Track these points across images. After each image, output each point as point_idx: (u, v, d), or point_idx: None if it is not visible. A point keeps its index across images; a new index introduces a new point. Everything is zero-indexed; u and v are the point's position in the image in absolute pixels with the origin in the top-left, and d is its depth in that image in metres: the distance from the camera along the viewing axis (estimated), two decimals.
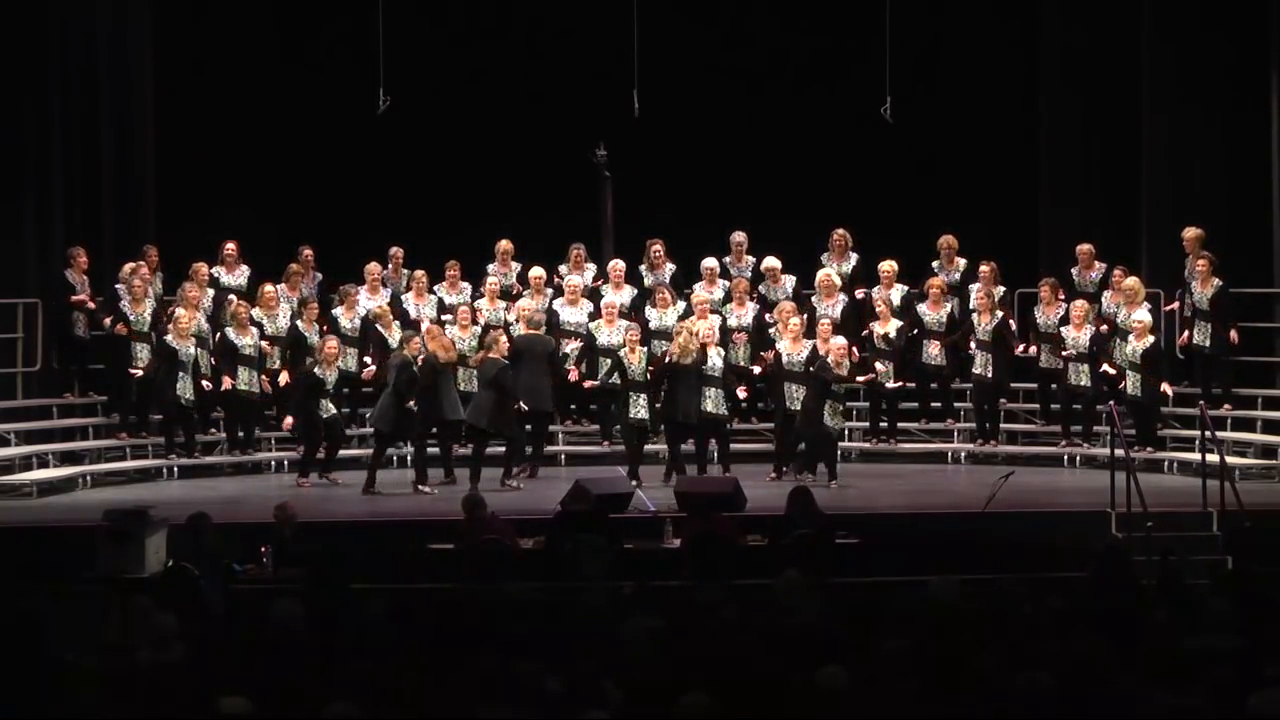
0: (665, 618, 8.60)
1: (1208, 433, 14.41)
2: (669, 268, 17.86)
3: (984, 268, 17.43)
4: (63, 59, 18.10)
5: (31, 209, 17.90)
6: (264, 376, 17.14)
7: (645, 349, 16.43)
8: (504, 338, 16.19)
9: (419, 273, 17.65)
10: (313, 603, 9.38)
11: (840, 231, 17.87)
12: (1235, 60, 17.81)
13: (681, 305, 17.30)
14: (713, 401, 16.22)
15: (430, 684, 7.60)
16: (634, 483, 15.62)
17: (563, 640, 8.46)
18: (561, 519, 13.15)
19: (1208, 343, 16.86)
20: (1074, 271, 17.55)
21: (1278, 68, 17.42)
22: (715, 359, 16.23)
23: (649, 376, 16.25)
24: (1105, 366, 16.57)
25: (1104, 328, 16.85)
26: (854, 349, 16.57)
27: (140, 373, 16.98)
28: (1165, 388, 16.61)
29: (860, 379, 16.47)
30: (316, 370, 16.43)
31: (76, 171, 18.22)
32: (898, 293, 17.58)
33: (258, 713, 7.27)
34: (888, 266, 17.62)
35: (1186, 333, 17.00)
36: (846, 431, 17.92)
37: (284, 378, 17.04)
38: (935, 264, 17.83)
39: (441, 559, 12.81)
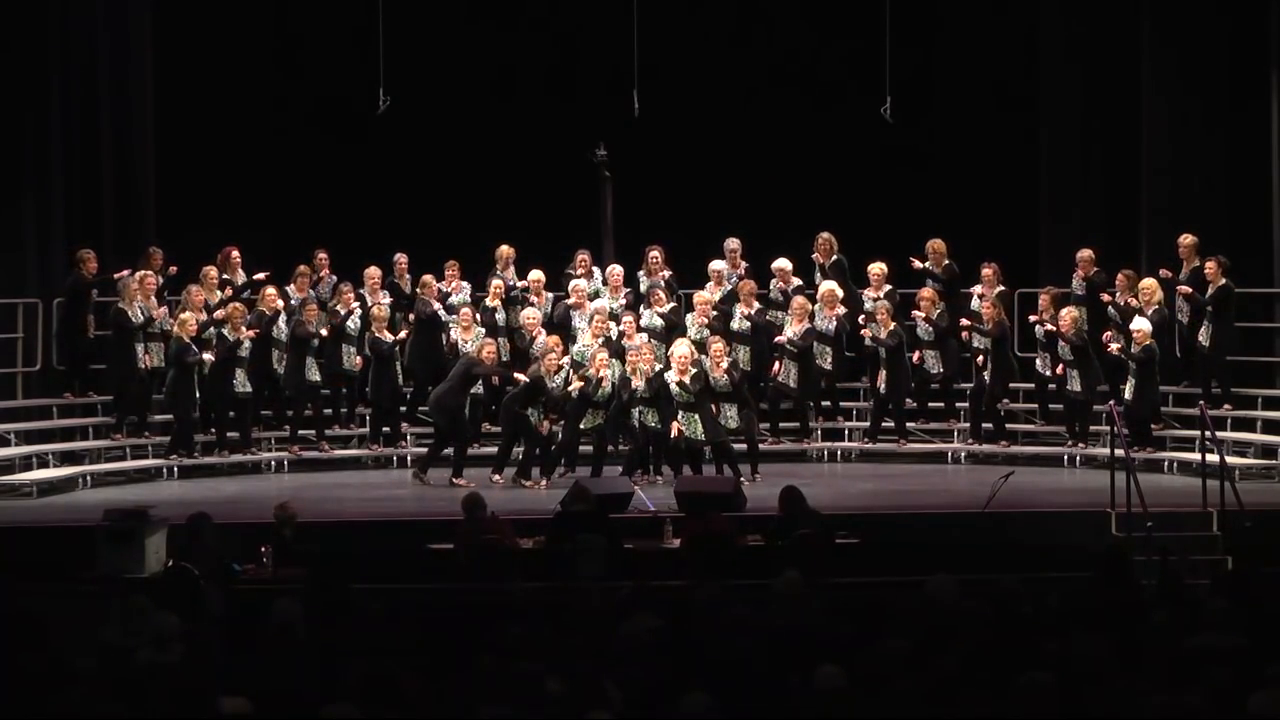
0: (665, 618, 8.60)
1: (1208, 433, 14.41)
2: (665, 274, 17.86)
3: (986, 269, 17.43)
4: (63, 59, 18.11)
5: (31, 210, 17.91)
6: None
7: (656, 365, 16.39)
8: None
9: (427, 277, 17.63)
10: (313, 603, 9.38)
11: (825, 235, 17.84)
12: (1235, 60, 17.80)
13: (673, 304, 17.36)
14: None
15: (430, 684, 7.60)
16: (631, 481, 15.64)
17: (563, 640, 8.46)
18: (561, 519, 13.15)
19: (1209, 342, 16.85)
20: (1074, 277, 17.53)
21: (1278, 68, 17.42)
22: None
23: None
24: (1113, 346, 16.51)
25: (1106, 335, 16.83)
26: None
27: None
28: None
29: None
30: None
31: (76, 172, 18.22)
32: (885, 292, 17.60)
33: (258, 713, 7.27)
34: (877, 269, 17.62)
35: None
36: (846, 432, 17.98)
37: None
38: (927, 264, 17.81)
39: (441, 559, 12.81)
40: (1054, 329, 16.74)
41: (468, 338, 16.99)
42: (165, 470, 17.02)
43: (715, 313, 17.29)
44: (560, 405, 16.18)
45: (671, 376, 15.97)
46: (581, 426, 16.27)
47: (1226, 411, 16.79)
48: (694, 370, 16.00)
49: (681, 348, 16.19)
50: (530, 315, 17.13)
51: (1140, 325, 16.38)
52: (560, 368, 16.23)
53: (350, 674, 7.67)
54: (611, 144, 18.18)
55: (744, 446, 16.40)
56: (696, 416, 16.02)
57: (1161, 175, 18.08)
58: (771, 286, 17.79)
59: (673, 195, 18.85)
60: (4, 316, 17.43)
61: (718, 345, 16.48)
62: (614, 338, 16.89)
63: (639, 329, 17.00)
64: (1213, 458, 14.12)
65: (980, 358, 17.22)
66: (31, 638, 8.47)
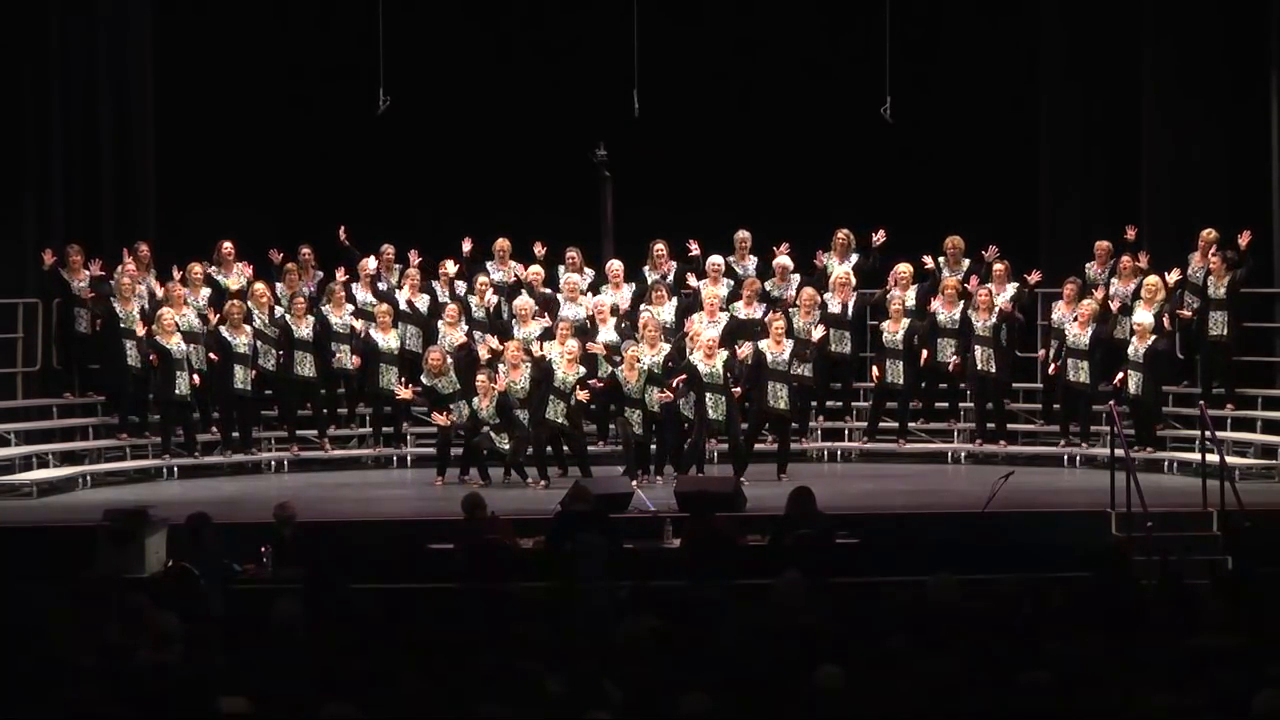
0: (665, 618, 8.60)
1: (1208, 433, 14.41)
2: (672, 265, 17.87)
3: (997, 267, 17.40)
4: (63, 58, 18.12)
5: (31, 209, 17.91)
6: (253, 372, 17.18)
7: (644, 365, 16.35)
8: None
9: (412, 270, 17.65)
10: (313, 603, 9.38)
11: (844, 232, 17.86)
12: (1235, 60, 17.81)
13: (674, 302, 17.35)
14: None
15: (430, 684, 7.60)
16: (633, 482, 15.65)
17: (563, 640, 8.46)
18: (561, 519, 13.15)
19: (1224, 333, 16.82)
20: (1088, 267, 17.53)
21: (1278, 67, 17.43)
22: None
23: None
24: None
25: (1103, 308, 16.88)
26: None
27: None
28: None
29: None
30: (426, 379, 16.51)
31: (76, 171, 18.23)
32: (912, 293, 17.57)
33: (258, 713, 7.27)
34: (904, 269, 17.61)
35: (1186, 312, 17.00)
36: (847, 432, 17.98)
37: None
38: (940, 260, 17.81)
39: (441, 559, 12.81)
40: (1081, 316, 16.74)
41: (452, 333, 16.97)
42: (165, 470, 17.04)
43: (726, 314, 17.23)
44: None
45: (698, 359, 15.99)
46: (547, 417, 16.23)
47: (1228, 411, 16.78)
48: (723, 354, 16.02)
49: (711, 330, 16.25)
50: (523, 304, 17.13)
51: (1142, 319, 16.37)
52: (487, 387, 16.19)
53: (350, 674, 7.67)
54: (611, 144, 18.18)
55: (775, 447, 16.56)
56: (724, 399, 16.02)
57: (1161, 173, 18.08)
58: (769, 285, 17.76)
59: (673, 195, 18.86)
60: (4, 316, 17.43)
61: (779, 323, 16.47)
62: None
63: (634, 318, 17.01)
64: (1213, 458, 14.12)
65: (982, 356, 17.15)
66: (31, 638, 8.47)
